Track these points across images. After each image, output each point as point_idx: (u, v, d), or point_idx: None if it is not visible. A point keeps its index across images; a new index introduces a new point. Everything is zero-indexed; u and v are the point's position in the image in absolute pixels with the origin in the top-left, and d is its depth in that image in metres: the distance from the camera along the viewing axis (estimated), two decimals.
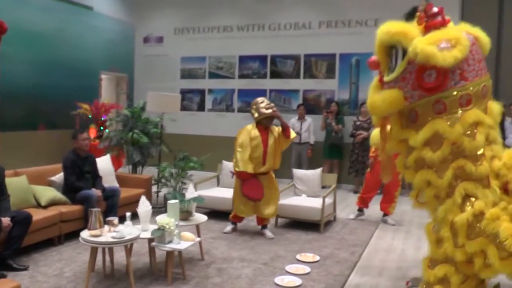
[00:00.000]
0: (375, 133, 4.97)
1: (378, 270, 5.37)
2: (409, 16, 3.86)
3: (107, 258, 4.86)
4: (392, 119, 3.96)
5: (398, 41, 3.52)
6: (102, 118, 9.91)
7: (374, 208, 7.82)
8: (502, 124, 8.85)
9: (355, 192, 9.99)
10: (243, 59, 11.96)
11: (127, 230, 4.41)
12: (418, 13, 3.74)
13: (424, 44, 3.33)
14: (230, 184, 6.65)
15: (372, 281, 5.02)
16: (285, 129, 6.40)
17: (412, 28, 3.54)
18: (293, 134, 6.53)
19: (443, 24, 3.56)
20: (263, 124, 6.36)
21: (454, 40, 3.36)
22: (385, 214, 7.64)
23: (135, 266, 4.99)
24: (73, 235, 5.74)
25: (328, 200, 7.18)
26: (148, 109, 8.36)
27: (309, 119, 10.70)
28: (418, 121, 3.62)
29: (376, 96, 3.74)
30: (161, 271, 4.88)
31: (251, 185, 6.32)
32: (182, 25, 12.55)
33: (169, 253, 4.60)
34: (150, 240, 4.68)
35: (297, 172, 7.80)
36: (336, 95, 11.02)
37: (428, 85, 3.43)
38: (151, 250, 4.88)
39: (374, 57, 3.93)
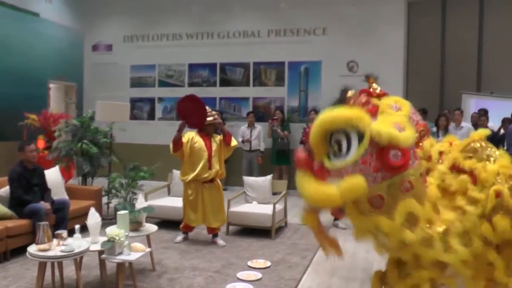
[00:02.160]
0: None
1: (329, 273, 5.49)
2: (340, 101, 3.74)
3: (56, 273, 4.77)
4: (346, 208, 3.64)
5: (355, 125, 3.32)
6: (51, 129, 9.73)
7: (324, 213, 7.94)
8: (446, 128, 9.20)
9: None
10: (192, 67, 12.01)
11: (76, 243, 4.38)
12: (348, 98, 3.66)
13: (383, 126, 3.29)
14: (181, 193, 6.67)
15: (323, 283, 5.14)
16: (226, 136, 6.48)
17: (363, 113, 3.40)
18: (234, 142, 6.60)
19: (375, 110, 3.48)
20: (206, 131, 6.45)
21: (403, 124, 3.37)
22: (336, 219, 7.79)
23: (85, 280, 4.95)
24: (21, 250, 5.58)
25: (279, 206, 7.29)
26: (97, 118, 8.29)
27: (258, 126, 10.83)
28: (384, 206, 3.41)
29: (328, 187, 3.34)
30: (113, 284, 4.85)
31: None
32: (131, 32, 12.50)
33: (120, 265, 4.59)
34: (100, 253, 4.65)
35: (247, 179, 7.87)
36: (285, 102, 11.20)
37: (397, 164, 3.29)
38: (102, 263, 4.85)
39: (301, 154, 3.58)
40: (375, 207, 3.43)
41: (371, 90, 3.61)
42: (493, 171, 3.56)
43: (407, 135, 3.31)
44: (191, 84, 11.97)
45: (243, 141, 10.55)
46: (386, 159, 3.28)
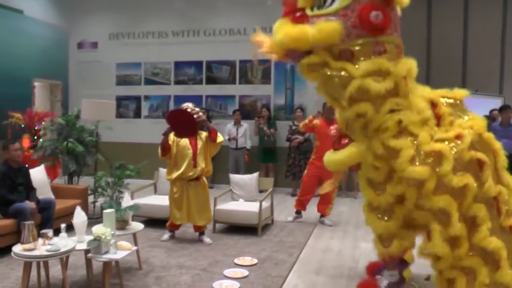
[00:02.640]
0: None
1: (316, 270, 5.52)
2: None
3: (42, 273, 4.74)
4: (321, 54, 3.61)
5: None
6: (36, 127, 9.66)
7: (311, 210, 8.01)
8: None
9: (293, 195, 10.18)
10: (178, 65, 11.98)
11: (62, 242, 4.36)
12: None
13: None
14: (168, 192, 6.66)
15: (309, 281, 5.16)
16: (211, 132, 6.48)
17: None
18: (220, 138, 6.60)
19: None
20: None
21: None
22: (322, 216, 7.84)
23: (71, 280, 4.93)
24: (5, 250, 5.54)
25: (265, 204, 7.31)
26: (83, 117, 8.24)
27: (245, 124, 10.84)
28: (353, 61, 3.52)
29: (305, 26, 3.51)
30: (99, 283, 4.83)
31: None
32: (117, 30, 12.43)
33: (106, 264, 4.58)
34: (87, 252, 4.64)
35: (233, 177, 7.88)
36: (271, 100, 11.22)
37: (375, 24, 3.41)
38: (88, 262, 4.84)
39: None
40: (344, 59, 3.53)
41: None
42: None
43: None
44: (177, 82, 11.94)
45: (229, 139, 10.55)
46: (366, 17, 3.39)
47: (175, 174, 6.38)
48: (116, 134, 10.64)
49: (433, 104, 3.74)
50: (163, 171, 7.84)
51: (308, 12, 3.59)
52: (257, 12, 11.37)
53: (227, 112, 11.51)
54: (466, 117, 3.78)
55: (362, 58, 3.49)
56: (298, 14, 3.62)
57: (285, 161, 10.42)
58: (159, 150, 6.43)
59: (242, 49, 11.33)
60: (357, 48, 3.50)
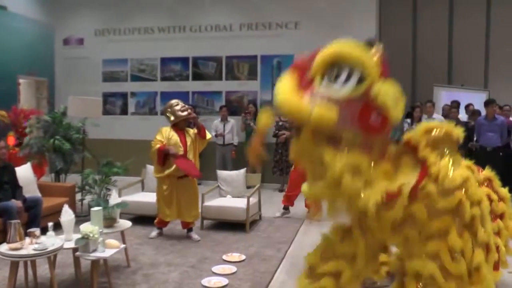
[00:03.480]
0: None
1: (303, 265, 5.54)
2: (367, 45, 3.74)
3: (30, 272, 4.72)
4: (304, 129, 3.59)
5: (364, 67, 3.40)
6: (22, 125, 9.58)
7: (299, 205, 8.02)
8: (420, 119, 9.38)
9: (280, 191, 10.21)
10: (165, 61, 11.95)
11: (50, 241, 4.35)
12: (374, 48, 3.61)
13: (387, 91, 3.37)
14: (155, 189, 6.65)
15: (298, 276, 5.18)
16: (200, 130, 6.49)
17: (376, 63, 3.47)
18: (208, 135, 6.61)
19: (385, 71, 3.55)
20: (179, 126, 6.44)
21: (399, 98, 3.47)
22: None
23: (60, 279, 4.92)
24: None
25: (253, 200, 7.33)
26: (69, 114, 8.19)
27: (232, 120, 10.85)
28: (338, 147, 3.43)
29: (305, 104, 3.36)
30: (87, 281, 4.81)
31: (184, 161, 6.32)
32: (103, 26, 12.36)
33: (94, 262, 4.57)
34: (75, 250, 4.63)
35: (221, 173, 7.89)
36: (258, 96, 11.24)
37: (373, 126, 3.41)
38: (76, 260, 4.81)
39: (301, 60, 3.69)
40: (330, 143, 3.45)
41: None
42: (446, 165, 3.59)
43: (397, 112, 3.41)
44: (164, 79, 11.91)
45: (216, 135, 10.55)
46: (366, 116, 3.37)
47: (166, 172, 6.36)
48: (103, 131, 10.57)
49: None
50: (150, 168, 7.82)
51: (317, 83, 3.46)
52: (243, 8, 11.41)
53: (213, 108, 11.50)
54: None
55: (350, 149, 3.42)
56: (305, 82, 3.50)
57: (272, 157, 10.43)
58: (155, 158, 6.36)
59: (229, 45, 11.39)
60: (345, 137, 3.43)
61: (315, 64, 3.49)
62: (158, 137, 6.37)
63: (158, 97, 11.91)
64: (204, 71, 11.63)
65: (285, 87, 3.51)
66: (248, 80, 11.37)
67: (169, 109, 6.49)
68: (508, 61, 13.29)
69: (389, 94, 3.37)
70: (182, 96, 11.08)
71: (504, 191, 4.35)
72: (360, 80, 3.37)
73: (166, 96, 11.50)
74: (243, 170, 7.86)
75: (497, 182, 4.37)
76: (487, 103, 9.52)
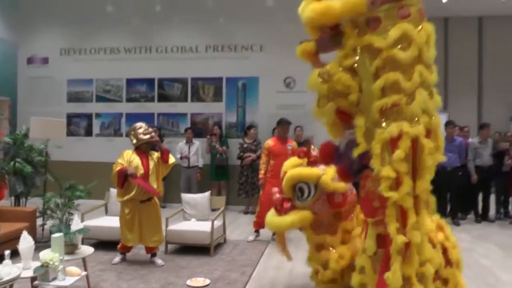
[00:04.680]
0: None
1: (268, 287, 5.56)
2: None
3: None
4: (346, 27, 3.85)
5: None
6: None
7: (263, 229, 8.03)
8: None
9: (246, 213, 10.24)
10: (130, 82, 11.92)
11: (6, 270, 4.22)
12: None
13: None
14: (119, 213, 6.57)
15: None
16: (163, 153, 6.47)
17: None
18: (172, 159, 6.59)
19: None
20: (142, 149, 6.42)
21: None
22: (274, 233, 7.88)
23: None
24: None
25: (218, 223, 7.31)
26: (31, 135, 8.05)
27: (197, 142, 10.85)
28: (379, 27, 3.61)
29: (329, 1, 3.67)
30: None
31: (143, 181, 6.27)
32: (69, 45, 12.27)
33: None
34: (33, 279, 4.53)
35: (185, 196, 7.86)
36: (223, 118, 11.28)
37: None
38: None
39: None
40: (371, 27, 3.64)
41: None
42: None
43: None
44: (129, 100, 11.87)
45: (181, 158, 10.53)
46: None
47: (127, 196, 6.31)
48: (67, 152, 10.49)
49: None
50: (114, 191, 7.73)
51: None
52: (209, 30, 11.50)
53: (179, 130, 11.50)
54: None
55: (389, 25, 3.56)
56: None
57: (237, 179, 10.46)
58: (115, 180, 6.30)
59: (194, 66, 11.44)
60: (382, 14, 3.59)
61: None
62: (119, 160, 6.34)
63: (123, 118, 11.85)
64: (169, 92, 11.63)
65: (307, 3, 3.84)
66: (214, 102, 11.43)
67: (132, 132, 6.47)
68: (466, 82, 13.68)
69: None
70: (147, 117, 11.06)
71: (454, 239, 4.41)
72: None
73: (131, 118, 11.47)
74: (207, 193, 7.85)
75: (448, 229, 4.42)
76: (446, 124, 9.76)
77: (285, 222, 4.61)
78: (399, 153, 3.46)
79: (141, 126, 6.45)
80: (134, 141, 6.42)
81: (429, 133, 3.64)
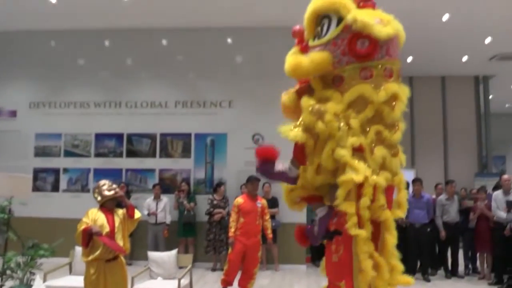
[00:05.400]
0: None
1: None
2: None
3: None
4: (313, 81, 4.05)
5: (336, 9, 3.78)
6: None
7: (235, 284, 7.98)
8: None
9: (213, 270, 10.17)
10: (99, 137, 11.87)
11: None
12: None
13: (363, 15, 3.68)
14: (83, 272, 6.46)
15: None
16: (128, 208, 6.44)
17: (350, 1, 3.83)
18: (137, 214, 6.56)
19: (374, 8, 3.92)
20: (107, 206, 6.37)
21: (387, 20, 3.75)
22: None
23: None
24: None
25: (184, 281, 7.24)
26: None
27: (165, 198, 10.79)
28: (342, 86, 3.77)
29: (302, 57, 3.89)
30: None
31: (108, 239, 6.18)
32: (38, 99, 12.18)
33: None
34: None
35: (152, 254, 7.79)
36: (192, 174, 11.30)
37: (361, 52, 3.68)
38: None
39: (298, 26, 4.18)
40: (335, 85, 3.83)
41: None
42: None
43: (382, 28, 3.66)
44: (97, 155, 11.79)
45: (149, 214, 10.45)
46: (353, 45, 3.70)
47: (92, 256, 6.24)
48: (32, 208, 10.27)
49: None
50: (79, 249, 7.61)
51: (310, 43, 3.99)
52: (179, 85, 11.67)
53: (147, 186, 11.44)
54: None
55: (352, 82, 3.73)
56: (304, 44, 4.08)
57: (204, 235, 10.42)
58: (79, 240, 6.23)
59: (163, 122, 11.52)
60: (346, 74, 3.76)
61: (306, 28, 4.08)
62: (84, 219, 6.26)
63: (91, 174, 11.74)
64: (138, 148, 11.65)
65: (290, 54, 4.08)
66: (182, 158, 11.45)
67: (96, 190, 6.43)
68: (432, 139, 14.07)
69: (363, 15, 3.68)
70: (115, 173, 11.06)
71: None
72: (339, 21, 3.78)
73: (99, 173, 11.42)
74: (174, 251, 7.79)
75: None
76: (414, 181, 9.98)
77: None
78: (365, 200, 3.56)
79: (104, 183, 6.42)
80: (99, 198, 6.37)
81: (392, 189, 3.78)
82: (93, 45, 12.10)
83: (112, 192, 6.34)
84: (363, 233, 3.54)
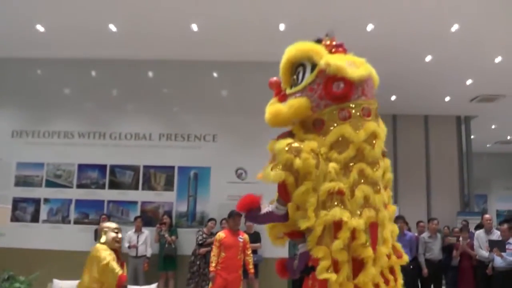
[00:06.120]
0: None
1: None
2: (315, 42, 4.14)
3: None
4: (294, 128, 4.08)
5: (310, 56, 3.86)
6: None
7: None
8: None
9: None
10: (82, 168, 11.77)
11: None
12: (323, 42, 4.06)
13: (335, 59, 3.76)
14: None
15: None
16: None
17: (322, 48, 3.90)
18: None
19: (345, 53, 3.98)
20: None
21: (359, 62, 3.83)
22: None
23: None
24: None
25: None
26: None
27: (146, 231, 10.69)
28: (323, 129, 3.81)
29: (281, 105, 3.95)
30: None
31: None
32: (21, 127, 12.06)
33: None
34: None
35: None
36: (174, 207, 11.24)
37: (337, 93, 3.72)
38: None
39: (274, 78, 4.22)
40: (316, 129, 3.84)
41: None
42: None
43: (354, 70, 3.75)
44: (80, 186, 11.67)
45: (129, 247, 10.33)
46: (329, 89, 3.76)
47: None
48: (9, 239, 10.17)
49: None
50: (57, 282, 7.54)
51: (287, 91, 4.02)
52: (163, 118, 11.69)
53: (128, 218, 11.30)
54: None
55: (331, 126, 3.77)
56: (282, 93, 4.10)
57: (186, 269, 10.31)
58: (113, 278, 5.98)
59: (147, 154, 11.49)
60: (325, 116, 3.80)
61: (281, 78, 4.13)
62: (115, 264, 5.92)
63: (72, 205, 11.58)
64: (120, 179, 11.57)
65: (269, 104, 4.09)
66: (164, 191, 11.39)
67: (105, 230, 6.13)
68: (415, 177, 14.18)
69: (336, 60, 3.76)
70: (97, 204, 10.99)
71: None
72: (314, 67, 3.85)
73: (81, 204, 11.33)
74: (154, 285, 7.73)
75: None
76: (396, 219, 10.02)
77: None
78: (338, 243, 3.58)
79: (117, 230, 6.16)
80: (104, 241, 6.10)
81: (376, 226, 3.80)
82: (79, 75, 12.09)
83: (118, 246, 6.06)
84: (334, 276, 3.55)
